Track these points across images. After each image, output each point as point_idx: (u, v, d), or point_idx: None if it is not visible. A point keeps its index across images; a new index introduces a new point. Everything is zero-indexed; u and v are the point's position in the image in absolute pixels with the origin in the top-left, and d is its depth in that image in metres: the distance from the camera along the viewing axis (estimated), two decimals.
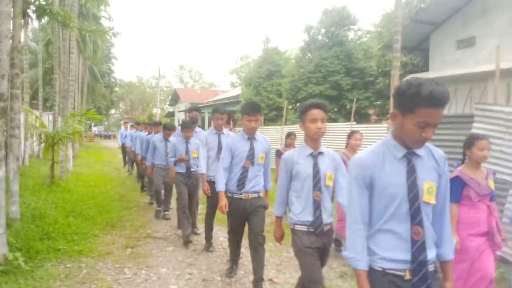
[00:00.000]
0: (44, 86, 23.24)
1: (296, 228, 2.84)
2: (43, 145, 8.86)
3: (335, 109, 18.97)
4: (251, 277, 4.11)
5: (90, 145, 30.15)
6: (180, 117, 45.55)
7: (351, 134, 5.14)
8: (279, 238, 3.15)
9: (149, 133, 8.83)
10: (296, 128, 15.01)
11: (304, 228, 2.79)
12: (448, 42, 14.46)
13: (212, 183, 4.62)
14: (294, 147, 7.01)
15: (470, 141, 3.35)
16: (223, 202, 3.82)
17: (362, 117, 18.75)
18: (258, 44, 78.84)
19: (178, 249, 5.30)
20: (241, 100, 26.13)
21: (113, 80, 41.99)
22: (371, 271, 1.81)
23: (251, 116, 3.73)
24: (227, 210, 3.81)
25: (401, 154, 1.82)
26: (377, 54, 18.77)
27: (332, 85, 18.79)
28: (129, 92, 68.48)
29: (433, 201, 1.81)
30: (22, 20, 7.18)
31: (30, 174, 9.96)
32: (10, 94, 5.35)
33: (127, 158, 14.07)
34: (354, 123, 12.15)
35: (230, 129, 10.59)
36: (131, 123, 14.57)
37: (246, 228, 4.01)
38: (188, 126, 5.76)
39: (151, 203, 8.23)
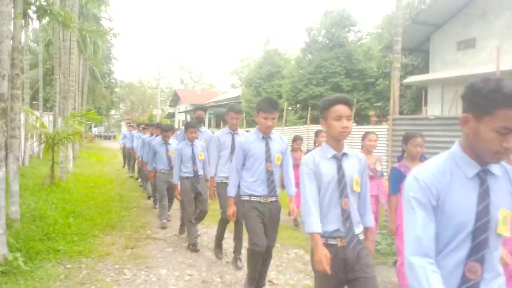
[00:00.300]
0: (45, 86, 23.25)
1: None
2: (43, 145, 8.87)
3: None
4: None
5: (90, 146, 30.16)
6: (180, 118, 45.53)
7: (365, 135, 5.03)
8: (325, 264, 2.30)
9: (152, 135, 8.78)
10: (297, 130, 15.03)
11: (322, 240, 2.33)
12: (448, 43, 14.47)
13: (224, 185, 4.40)
14: (301, 151, 6.88)
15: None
16: (232, 210, 3.63)
17: (362, 119, 18.77)
18: (258, 45, 78.92)
19: (178, 250, 5.30)
20: (241, 101, 26.13)
21: (113, 81, 42.01)
22: None
23: (268, 113, 3.41)
24: (235, 218, 3.65)
25: (473, 172, 1.46)
26: (378, 55, 18.79)
27: (333, 86, 18.80)
28: (129, 93, 68.44)
29: (507, 233, 1.46)
30: (23, 21, 7.19)
31: (30, 175, 9.96)
32: (11, 94, 5.36)
33: (128, 160, 14.02)
34: (355, 124, 12.15)
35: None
36: (131, 124, 14.59)
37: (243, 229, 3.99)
38: (192, 126, 5.38)
39: (155, 206, 7.87)
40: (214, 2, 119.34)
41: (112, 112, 58.70)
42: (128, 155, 13.39)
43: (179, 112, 46.82)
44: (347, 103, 2.38)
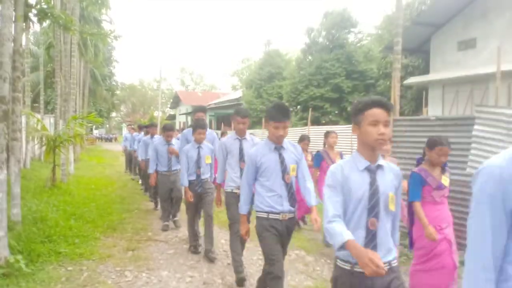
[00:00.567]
0: (46, 89, 23.30)
1: (340, 265, 2.13)
2: (44, 148, 8.88)
3: (336, 112, 18.98)
4: (252, 280, 4.11)
5: (91, 148, 30.19)
6: (181, 119, 45.58)
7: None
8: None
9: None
10: (297, 132, 15.02)
11: (347, 266, 2.08)
12: (449, 43, 14.47)
13: (233, 195, 4.21)
14: (307, 152, 6.64)
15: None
16: (245, 229, 3.34)
17: None
18: (259, 47, 78.99)
19: (179, 252, 5.30)
20: (242, 102, 26.15)
21: (114, 83, 42.13)
22: None
23: (279, 123, 3.08)
24: (247, 237, 3.34)
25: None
26: (378, 56, 18.81)
27: (333, 87, 18.82)
28: (130, 95, 68.60)
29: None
30: (24, 24, 7.20)
31: (32, 177, 9.98)
32: (12, 97, 5.37)
33: (129, 163, 13.98)
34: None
35: (226, 132, 10.53)
36: (132, 126, 14.59)
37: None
38: (201, 127, 5.09)
39: (157, 208, 7.84)
40: (215, 4, 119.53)
41: (113, 114, 58.83)
42: (129, 158, 13.37)
43: (180, 114, 46.86)
44: (385, 107, 2.07)
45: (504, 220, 1.19)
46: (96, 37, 15.72)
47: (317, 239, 6.03)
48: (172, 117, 52.01)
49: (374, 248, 2.04)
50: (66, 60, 11.56)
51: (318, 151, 5.92)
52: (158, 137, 7.62)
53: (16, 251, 4.42)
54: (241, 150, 4.27)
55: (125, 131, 21.36)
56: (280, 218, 3.14)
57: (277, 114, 3.07)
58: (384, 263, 1.97)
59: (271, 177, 3.16)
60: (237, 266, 4.23)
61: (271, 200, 3.16)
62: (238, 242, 4.31)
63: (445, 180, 3.59)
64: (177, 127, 37.50)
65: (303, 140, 6.55)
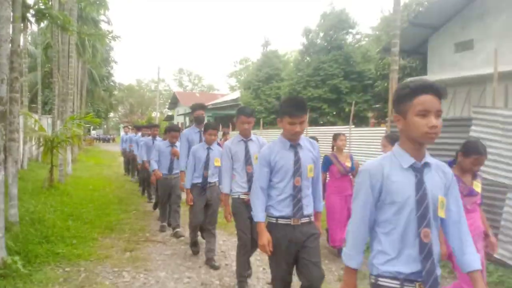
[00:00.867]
0: (43, 89, 23.26)
1: (382, 283, 1.76)
2: (42, 148, 8.86)
3: (334, 113, 19.02)
4: (250, 282, 4.11)
5: (89, 149, 30.13)
6: (179, 120, 45.58)
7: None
8: None
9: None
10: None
11: (397, 285, 1.72)
12: (446, 45, 14.52)
13: (241, 200, 3.90)
14: None
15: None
16: (266, 238, 2.76)
17: (361, 120, 18.81)
18: (257, 47, 79.00)
19: (177, 253, 5.30)
20: (240, 103, 26.15)
21: (112, 83, 42.06)
22: None
23: (295, 118, 2.71)
24: (271, 250, 2.77)
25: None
26: (376, 57, 18.85)
27: (331, 88, 18.84)
28: (128, 95, 68.54)
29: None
30: (22, 24, 7.20)
31: (29, 178, 9.96)
32: (9, 97, 5.36)
33: (127, 164, 13.93)
34: (353, 126, 12.17)
35: (226, 133, 10.49)
36: (129, 126, 14.57)
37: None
38: (212, 127, 4.81)
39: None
40: (213, 5, 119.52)
41: (111, 115, 58.76)
42: (127, 159, 13.31)
43: (178, 115, 46.86)
44: (438, 93, 1.69)
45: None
46: (94, 38, 15.72)
47: None
48: (170, 118, 52.01)
49: (433, 264, 1.69)
50: (64, 61, 11.53)
51: (326, 155, 5.49)
52: (159, 139, 7.59)
53: (13, 252, 4.41)
54: (247, 153, 3.94)
55: (122, 132, 21.37)
56: (292, 222, 2.77)
57: (292, 108, 2.71)
58: (438, 276, 1.74)
59: (284, 179, 2.80)
60: (241, 282, 4.04)
61: (284, 203, 2.80)
62: (247, 256, 4.06)
63: (477, 186, 3.29)
64: None
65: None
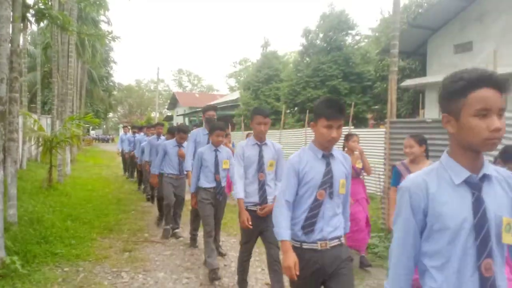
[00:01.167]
0: (43, 89, 23.25)
1: None
2: (41, 148, 8.86)
3: None
4: (249, 282, 4.11)
5: (88, 149, 30.12)
6: (178, 120, 45.61)
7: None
8: None
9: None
10: (295, 134, 15.04)
11: None
12: (445, 46, 14.55)
13: (252, 214, 3.52)
14: None
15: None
16: (292, 260, 2.29)
17: (360, 122, 18.83)
18: (256, 48, 79.12)
19: (176, 253, 5.30)
20: (239, 104, 26.17)
21: (111, 84, 42.09)
22: None
23: (333, 121, 2.31)
24: (297, 273, 2.29)
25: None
26: (375, 58, 18.89)
27: (330, 89, 18.86)
28: (127, 96, 68.58)
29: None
30: (21, 24, 7.20)
31: (28, 178, 9.95)
32: (9, 97, 5.36)
33: (125, 164, 13.92)
34: (352, 127, 12.18)
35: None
36: (128, 126, 14.56)
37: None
38: (220, 128, 4.54)
39: (159, 223, 6.83)
40: (213, 6, 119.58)
41: (110, 115, 58.77)
42: (127, 161, 13.24)
43: (177, 115, 46.89)
44: (499, 87, 1.30)
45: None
46: (94, 38, 15.73)
47: None
48: (170, 118, 52.05)
49: None
50: (63, 61, 11.54)
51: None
52: (164, 138, 7.52)
53: (12, 252, 4.41)
54: (260, 158, 3.57)
55: (121, 132, 21.35)
56: (319, 247, 2.35)
57: (331, 109, 2.31)
58: None
59: (315, 192, 2.38)
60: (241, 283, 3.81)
61: (310, 221, 2.39)
62: (248, 263, 3.75)
63: None
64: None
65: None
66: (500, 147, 3.22)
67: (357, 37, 21.64)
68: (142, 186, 10.03)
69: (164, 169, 6.19)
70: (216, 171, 4.54)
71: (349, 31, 20.55)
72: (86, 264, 4.68)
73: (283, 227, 2.39)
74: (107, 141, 53.16)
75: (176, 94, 50.96)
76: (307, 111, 15.43)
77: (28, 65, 20.16)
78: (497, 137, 1.29)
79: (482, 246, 1.31)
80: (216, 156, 4.56)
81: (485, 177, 1.37)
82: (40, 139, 8.86)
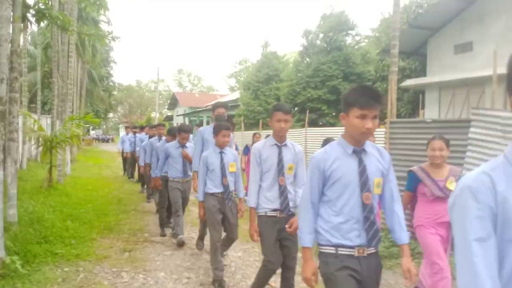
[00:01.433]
0: (43, 89, 23.25)
1: None
2: (41, 148, 8.86)
3: (333, 114, 19.05)
4: (249, 282, 4.11)
5: (88, 149, 30.11)
6: (178, 121, 45.62)
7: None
8: None
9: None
10: (295, 133, 15.03)
11: None
12: (445, 47, 14.56)
13: (269, 219, 3.23)
14: None
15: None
16: (310, 269, 2.22)
17: None
18: (257, 48, 79.17)
19: (176, 253, 5.29)
20: (240, 104, 26.18)
21: (111, 84, 42.11)
22: None
23: (367, 110, 2.04)
24: (316, 283, 2.22)
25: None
26: (375, 59, 18.91)
27: (330, 89, 18.88)
28: (127, 96, 68.55)
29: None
30: (22, 24, 7.20)
31: (28, 178, 9.95)
32: (9, 97, 5.36)
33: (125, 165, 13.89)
34: None
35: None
36: (129, 126, 14.55)
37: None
38: (227, 128, 4.22)
39: (163, 234, 6.26)
40: (213, 6, 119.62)
41: (110, 115, 58.78)
42: (127, 161, 13.20)
43: (177, 115, 46.89)
44: None
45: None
46: (94, 38, 15.73)
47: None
48: (170, 118, 52.07)
49: None
50: (63, 61, 11.54)
51: None
52: (164, 139, 7.03)
53: (12, 252, 4.40)
54: (280, 160, 3.24)
55: (122, 132, 21.35)
56: (356, 253, 2.13)
57: (365, 97, 2.05)
58: None
59: (345, 194, 2.15)
60: None
61: (344, 228, 2.14)
62: (267, 277, 3.39)
63: None
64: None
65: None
66: None
67: (357, 37, 21.67)
68: (143, 189, 9.98)
69: (169, 173, 5.85)
70: (223, 175, 4.22)
71: (349, 32, 20.57)
72: (86, 264, 4.68)
73: (305, 232, 2.22)
74: (107, 141, 53.15)
75: (176, 94, 50.96)
76: (307, 111, 15.44)
77: (28, 65, 20.16)
78: None
79: None
80: (222, 159, 4.24)
81: None
82: (40, 139, 8.86)
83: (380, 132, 10.47)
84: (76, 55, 18.29)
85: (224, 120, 4.79)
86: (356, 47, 20.93)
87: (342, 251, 2.13)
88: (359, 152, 2.16)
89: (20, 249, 4.57)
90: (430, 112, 14.73)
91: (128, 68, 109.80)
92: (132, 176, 12.79)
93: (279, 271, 3.41)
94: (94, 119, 10.76)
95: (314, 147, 11.75)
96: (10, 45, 5.13)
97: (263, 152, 3.29)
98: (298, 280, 3.55)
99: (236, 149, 8.16)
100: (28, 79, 19.24)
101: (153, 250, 5.39)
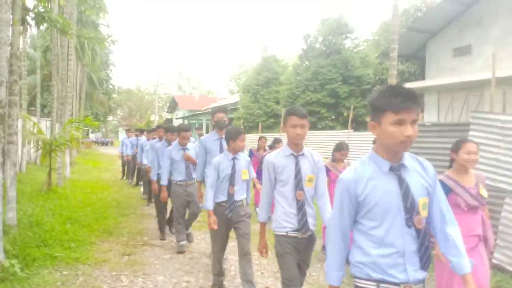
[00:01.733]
0: (42, 92, 23.26)
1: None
2: (40, 151, 8.86)
3: (333, 117, 19.09)
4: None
5: (87, 152, 30.08)
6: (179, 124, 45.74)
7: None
8: None
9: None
10: None
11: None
12: (444, 50, 14.61)
13: (288, 240, 2.87)
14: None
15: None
16: None
17: (359, 125, 18.85)
18: (256, 52, 79.47)
19: (175, 257, 5.28)
20: (239, 107, 26.22)
21: (111, 86, 42.17)
22: None
23: (405, 113, 1.68)
24: None
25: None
26: (374, 62, 18.96)
27: (330, 92, 18.91)
28: (127, 99, 68.53)
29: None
30: (21, 27, 7.21)
31: (27, 181, 9.94)
32: (8, 100, 5.37)
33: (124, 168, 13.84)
34: (351, 130, 12.21)
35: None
36: (130, 129, 14.52)
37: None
38: (239, 133, 3.94)
39: (163, 238, 6.16)
40: (212, 9, 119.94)
41: (110, 118, 58.79)
42: (128, 165, 13.11)
43: (176, 118, 46.94)
44: None
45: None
46: (94, 41, 15.76)
47: None
48: (169, 121, 52.12)
49: None
50: (63, 64, 11.56)
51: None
52: (164, 141, 6.55)
53: (11, 255, 4.40)
54: (298, 172, 2.87)
55: (121, 136, 21.31)
56: None
57: (398, 99, 1.69)
58: None
59: (385, 221, 1.76)
60: None
61: (385, 261, 1.76)
62: None
63: None
64: None
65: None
66: None
67: (356, 41, 21.74)
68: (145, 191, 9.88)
69: (172, 176, 5.61)
70: (231, 183, 3.91)
71: (348, 35, 20.64)
72: (85, 267, 4.67)
73: (333, 268, 1.88)
74: (106, 144, 53.09)
75: (176, 97, 51.04)
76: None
77: (27, 68, 20.18)
78: None
79: None
80: (234, 165, 3.93)
81: None
82: (40, 142, 8.86)
83: None
84: (76, 58, 18.32)
85: (225, 125, 4.69)
86: (355, 50, 20.99)
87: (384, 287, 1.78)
88: (397, 168, 1.77)
89: (19, 252, 4.57)
90: (429, 115, 14.75)
91: (127, 71, 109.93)
92: (132, 179, 12.72)
93: (278, 273, 3.39)
94: (93, 122, 10.76)
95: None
96: (9, 48, 5.14)
97: (277, 164, 2.90)
98: None
99: (250, 155, 8.06)
100: (27, 82, 19.24)
101: (152, 254, 5.38)
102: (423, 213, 1.78)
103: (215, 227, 3.86)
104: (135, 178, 12.08)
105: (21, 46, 10.28)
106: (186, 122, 37.95)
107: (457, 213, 2.95)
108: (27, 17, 7.69)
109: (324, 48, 20.22)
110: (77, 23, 15.16)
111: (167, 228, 6.44)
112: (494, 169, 4.77)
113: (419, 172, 1.83)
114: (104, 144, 52.70)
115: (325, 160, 5.18)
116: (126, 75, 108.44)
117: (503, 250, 4.53)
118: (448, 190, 3.10)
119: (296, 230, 2.84)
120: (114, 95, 49.45)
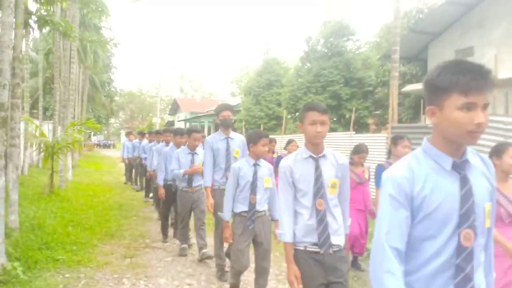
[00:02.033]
0: (44, 95, 23.32)
1: None
2: (42, 154, 8.87)
3: (334, 119, 19.08)
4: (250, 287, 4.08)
5: (90, 155, 30.14)
6: (180, 126, 45.74)
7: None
8: None
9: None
10: (296, 138, 15.01)
11: None
12: (446, 52, 14.58)
13: (304, 254, 2.44)
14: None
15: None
16: None
17: (361, 127, 18.84)
18: (258, 54, 79.51)
19: (177, 260, 5.28)
20: (241, 109, 26.24)
21: (113, 89, 42.20)
22: None
23: (476, 95, 1.32)
24: None
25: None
26: (376, 64, 18.95)
27: (331, 94, 18.90)
28: (129, 101, 68.68)
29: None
30: (24, 30, 7.24)
31: (30, 184, 9.96)
32: (11, 103, 5.39)
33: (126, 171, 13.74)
34: (353, 132, 12.19)
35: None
36: (132, 132, 14.48)
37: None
38: (266, 136, 3.66)
39: (165, 241, 6.18)
40: (214, 12, 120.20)
41: (112, 120, 58.86)
42: (130, 168, 12.99)
43: (178, 121, 46.99)
44: None
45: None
46: (96, 44, 15.81)
47: None
48: (171, 124, 52.17)
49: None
50: (65, 67, 11.59)
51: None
52: (172, 145, 6.40)
53: (13, 258, 4.40)
54: (318, 178, 2.45)
55: (123, 138, 21.34)
56: None
57: (468, 76, 1.32)
58: None
59: (444, 233, 1.38)
60: None
61: (437, 283, 1.39)
62: None
63: None
64: None
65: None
66: None
67: (358, 43, 21.73)
68: (151, 195, 9.70)
69: (179, 182, 5.45)
70: (253, 191, 3.57)
71: (350, 37, 20.64)
72: (87, 270, 4.66)
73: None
74: (108, 146, 53.19)
75: (178, 100, 51.13)
76: None
77: (30, 71, 20.19)
78: None
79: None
80: (256, 172, 3.59)
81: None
82: (42, 145, 8.88)
83: (381, 137, 10.47)
84: (78, 61, 18.35)
85: (231, 124, 4.46)
86: (357, 52, 20.98)
87: None
88: (461, 166, 1.40)
89: (21, 255, 4.57)
90: None
91: (129, 74, 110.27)
92: (135, 182, 12.61)
93: (280, 275, 3.38)
94: (95, 125, 10.78)
95: None
96: (12, 51, 5.15)
97: (295, 169, 2.47)
98: None
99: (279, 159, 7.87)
100: (30, 85, 19.26)
101: (154, 256, 5.37)
102: (488, 223, 1.42)
103: (231, 241, 3.64)
104: (140, 183, 11.73)
105: (23, 49, 10.31)
106: (188, 124, 37.98)
107: (497, 226, 2.56)
108: (30, 20, 7.71)
109: (326, 50, 20.21)
110: (80, 26, 15.24)
111: (170, 231, 6.42)
112: None
113: (484, 171, 1.45)
114: (106, 146, 52.84)
115: None
116: (128, 78, 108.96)
117: None
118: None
119: (315, 245, 2.41)
120: (116, 98, 49.50)
